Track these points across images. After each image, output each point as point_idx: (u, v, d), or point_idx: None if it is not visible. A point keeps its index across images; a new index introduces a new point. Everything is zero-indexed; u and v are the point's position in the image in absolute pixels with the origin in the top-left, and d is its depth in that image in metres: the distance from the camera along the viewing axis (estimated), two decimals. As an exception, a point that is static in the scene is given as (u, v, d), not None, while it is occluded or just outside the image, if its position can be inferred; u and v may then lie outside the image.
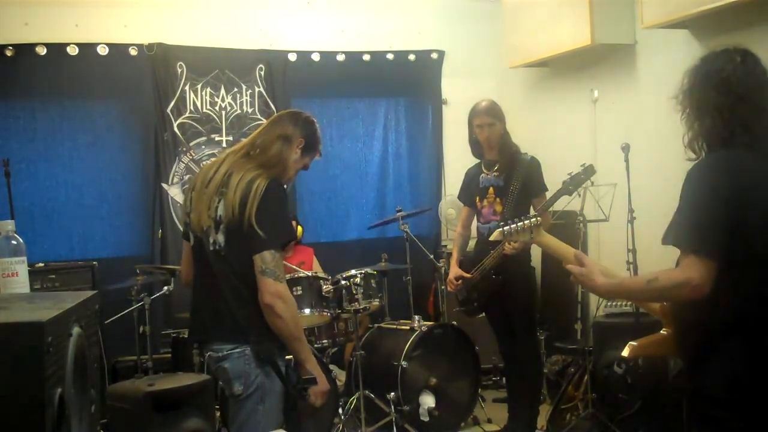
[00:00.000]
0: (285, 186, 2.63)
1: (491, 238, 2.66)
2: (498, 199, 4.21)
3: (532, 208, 4.15)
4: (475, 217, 4.42)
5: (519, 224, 2.53)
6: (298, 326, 2.56)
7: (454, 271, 4.34)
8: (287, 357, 2.61)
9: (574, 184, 3.77)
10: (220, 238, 2.52)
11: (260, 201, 2.45)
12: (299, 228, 5.23)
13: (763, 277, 2.04)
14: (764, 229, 2.04)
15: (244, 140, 2.73)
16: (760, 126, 2.09)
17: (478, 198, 4.32)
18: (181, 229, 2.79)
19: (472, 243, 4.57)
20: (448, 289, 4.41)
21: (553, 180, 4.27)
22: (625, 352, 2.38)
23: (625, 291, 2.32)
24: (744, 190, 2.03)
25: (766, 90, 2.13)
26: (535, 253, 4.34)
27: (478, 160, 4.39)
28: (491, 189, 4.24)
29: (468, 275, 4.25)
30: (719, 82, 2.10)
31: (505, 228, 2.55)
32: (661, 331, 2.36)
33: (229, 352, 2.51)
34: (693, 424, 2.18)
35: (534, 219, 2.53)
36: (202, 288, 2.65)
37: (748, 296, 2.04)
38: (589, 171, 3.75)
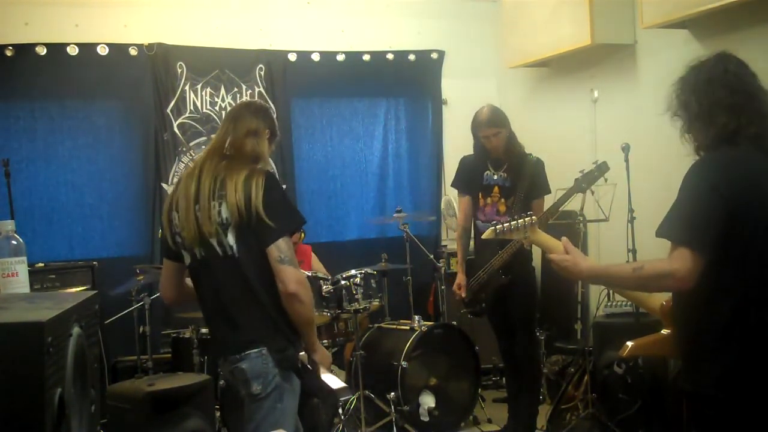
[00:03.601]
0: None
1: (483, 236, 2.66)
2: (503, 200, 4.20)
3: (533, 208, 4.15)
4: (475, 216, 4.40)
5: (512, 223, 2.52)
6: (314, 310, 2.65)
7: (460, 278, 4.31)
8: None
9: (587, 181, 3.76)
10: (230, 240, 2.51)
11: (264, 193, 2.46)
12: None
13: (760, 278, 2.05)
14: (762, 230, 2.04)
15: (210, 146, 2.67)
16: (765, 122, 2.12)
17: (481, 194, 4.29)
18: (165, 247, 2.68)
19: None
20: (456, 297, 4.38)
21: (552, 180, 4.28)
22: (624, 352, 2.38)
23: (610, 276, 2.30)
24: (744, 190, 2.04)
25: (764, 89, 2.17)
26: (536, 253, 4.34)
27: (473, 151, 4.37)
28: (496, 188, 4.23)
29: (463, 278, 4.25)
30: (728, 81, 2.13)
31: (498, 227, 2.55)
32: (662, 331, 2.37)
33: (247, 352, 2.51)
34: (691, 423, 2.19)
35: (529, 218, 2.53)
36: (212, 302, 2.62)
37: (745, 296, 2.04)
38: (602, 168, 3.74)
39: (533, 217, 2.53)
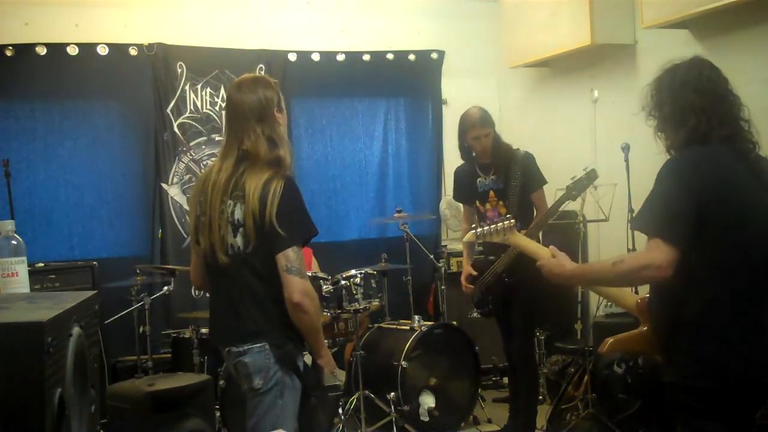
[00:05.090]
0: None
1: (464, 240, 2.70)
2: (500, 202, 4.20)
3: (535, 201, 4.16)
4: (478, 220, 4.41)
5: (492, 226, 2.56)
6: (320, 319, 2.64)
7: (467, 270, 4.32)
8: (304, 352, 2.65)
9: (578, 189, 3.78)
10: (239, 241, 2.51)
11: (280, 201, 2.45)
12: None
13: (732, 271, 2.11)
14: (733, 226, 2.11)
15: (226, 139, 2.63)
16: (735, 124, 2.21)
17: (479, 202, 4.30)
18: (190, 233, 2.74)
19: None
20: (464, 290, 4.39)
21: (553, 181, 4.27)
22: (603, 348, 2.42)
23: (592, 274, 2.38)
24: (714, 186, 2.12)
25: (734, 93, 2.26)
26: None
27: (461, 157, 4.38)
28: (492, 192, 4.23)
29: (475, 272, 4.25)
30: (700, 86, 2.22)
31: (478, 230, 2.59)
32: (640, 328, 2.41)
33: (250, 347, 2.52)
34: (675, 415, 2.22)
35: (507, 221, 2.57)
36: (219, 293, 2.65)
37: (719, 288, 2.11)
38: (591, 176, 3.75)
39: (511, 221, 2.57)
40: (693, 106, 2.19)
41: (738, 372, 2.08)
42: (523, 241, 2.61)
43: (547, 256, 2.41)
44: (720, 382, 2.08)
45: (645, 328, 2.37)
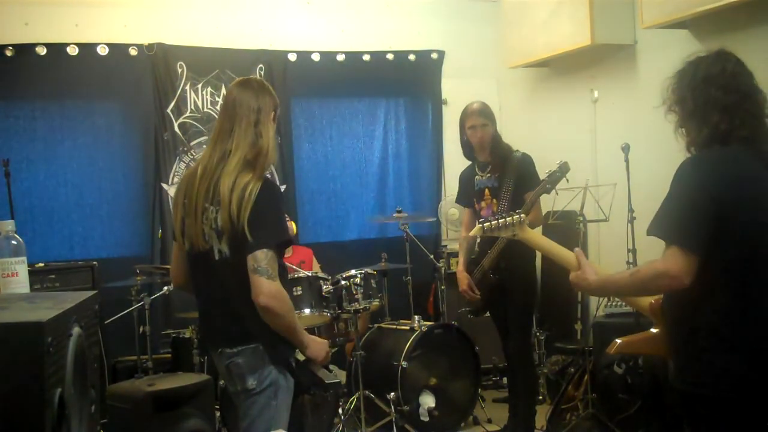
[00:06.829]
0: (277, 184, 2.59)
1: (471, 234, 2.64)
2: (494, 200, 4.22)
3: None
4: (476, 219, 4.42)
5: (501, 220, 2.48)
6: (294, 318, 2.55)
7: (462, 277, 4.30)
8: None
9: (552, 182, 3.80)
10: (225, 247, 2.50)
11: (253, 205, 2.42)
12: (293, 225, 5.21)
13: (751, 277, 2.05)
14: (753, 229, 2.04)
15: (213, 138, 2.62)
16: (759, 122, 2.13)
17: (475, 200, 4.33)
18: (176, 232, 2.70)
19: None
20: (466, 298, 4.37)
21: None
22: (611, 349, 2.38)
23: (613, 285, 2.32)
24: (733, 189, 2.05)
25: (759, 89, 2.18)
26: (538, 253, 4.34)
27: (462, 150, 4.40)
28: (487, 190, 4.26)
29: (467, 277, 4.26)
30: (725, 81, 2.13)
31: (486, 224, 2.50)
32: (651, 330, 2.36)
33: (243, 347, 2.51)
34: (684, 422, 2.18)
35: (517, 216, 2.49)
36: (209, 295, 2.63)
37: (736, 295, 2.05)
38: (564, 168, 3.78)
39: (522, 215, 2.50)
40: (716, 104, 2.11)
41: (753, 381, 2.02)
42: (535, 237, 2.53)
43: (565, 254, 2.35)
44: (734, 392, 2.02)
45: (656, 331, 2.31)
